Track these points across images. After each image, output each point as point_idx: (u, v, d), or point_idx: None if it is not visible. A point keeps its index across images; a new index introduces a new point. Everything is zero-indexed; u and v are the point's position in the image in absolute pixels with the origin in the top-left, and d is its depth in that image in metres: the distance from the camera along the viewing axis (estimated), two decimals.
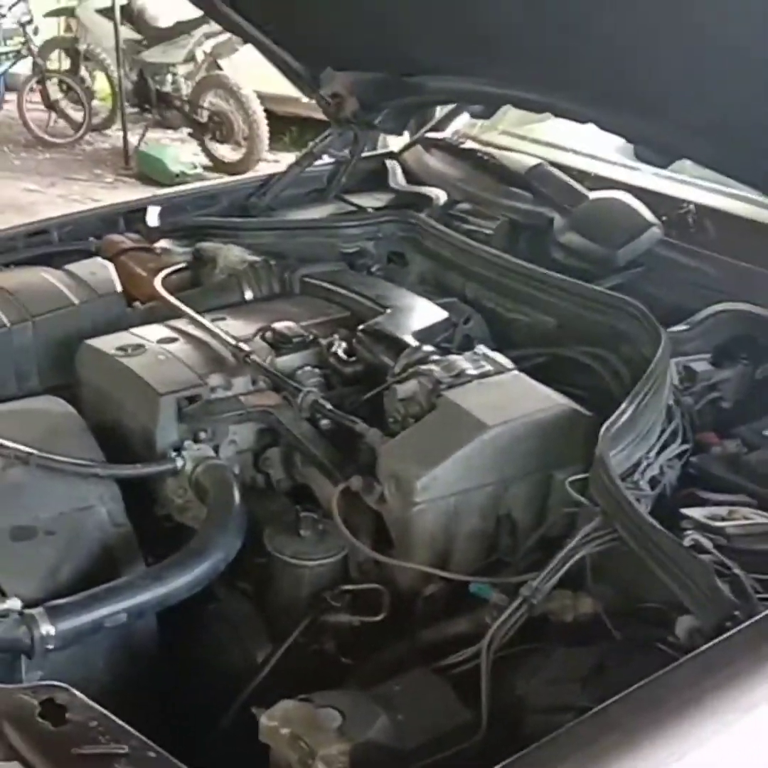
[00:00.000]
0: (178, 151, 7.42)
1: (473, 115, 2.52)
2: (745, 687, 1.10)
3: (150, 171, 7.11)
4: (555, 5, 1.66)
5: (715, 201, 2.18)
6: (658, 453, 1.58)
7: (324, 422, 1.72)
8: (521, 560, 1.54)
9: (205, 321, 1.86)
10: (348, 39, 2.30)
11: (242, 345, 1.78)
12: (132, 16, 7.58)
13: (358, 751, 1.15)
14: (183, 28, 7.35)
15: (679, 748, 1.04)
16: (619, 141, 2.22)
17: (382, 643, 1.50)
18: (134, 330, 1.86)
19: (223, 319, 1.93)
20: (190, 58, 7.52)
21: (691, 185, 2.26)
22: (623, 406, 1.54)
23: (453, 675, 1.36)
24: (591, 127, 1.97)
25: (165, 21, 7.54)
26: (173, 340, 1.82)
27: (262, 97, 7.05)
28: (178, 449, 1.64)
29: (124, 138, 7.47)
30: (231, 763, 1.35)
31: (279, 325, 1.86)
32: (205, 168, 7.20)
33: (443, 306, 2.04)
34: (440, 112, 2.83)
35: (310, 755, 1.14)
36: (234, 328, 1.89)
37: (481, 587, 1.45)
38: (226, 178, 3.85)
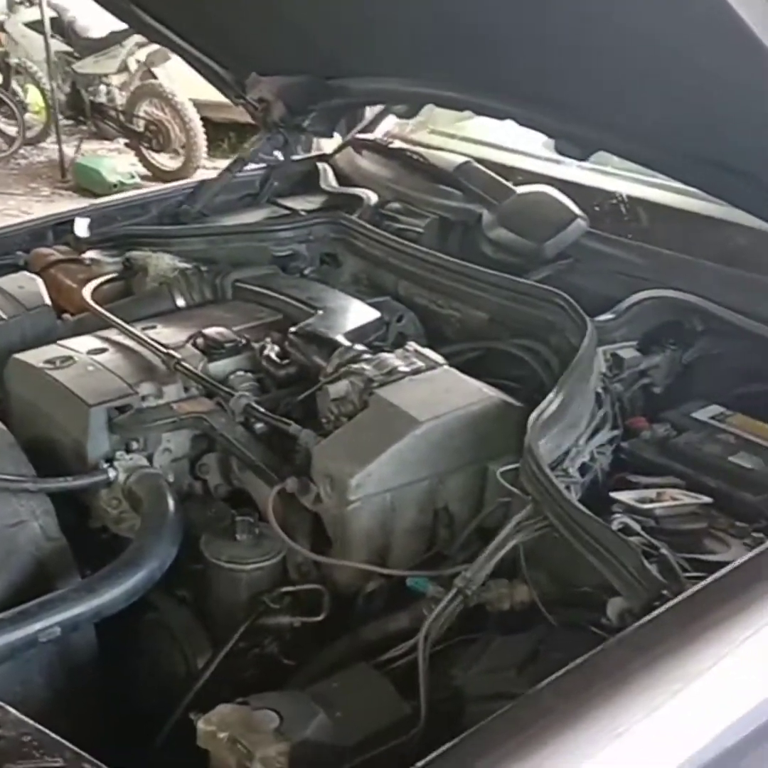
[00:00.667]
0: (115, 161, 7.36)
1: (398, 115, 2.53)
2: (675, 664, 1.12)
3: (87, 182, 7.05)
4: (470, 6, 1.68)
5: (639, 191, 2.22)
6: (588, 440, 1.61)
7: (259, 426, 1.72)
8: (459, 552, 1.55)
9: (134, 330, 1.85)
10: (271, 44, 2.30)
11: (173, 352, 1.77)
12: (62, 28, 7.49)
13: (296, 750, 1.15)
14: (115, 39, 7.29)
15: (611, 728, 1.06)
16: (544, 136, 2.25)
17: (323, 643, 1.50)
18: (63, 342, 1.84)
19: (154, 327, 1.92)
20: (123, 68, 7.46)
21: (616, 177, 2.29)
22: (551, 395, 1.56)
23: (392, 670, 1.37)
24: (513, 123, 2.00)
25: (96, 32, 7.46)
26: (103, 350, 1.81)
27: (199, 105, 7.03)
28: (110, 460, 1.63)
29: (60, 150, 7.40)
30: None
31: (210, 331, 1.86)
32: (143, 177, 7.15)
33: (376, 305, 2.05)
34: (370, 113, 2.84)
35: (249, 757, 1.14)
36: (165, 335, 1.88)
37: (418, 581, 1.46)
38: (156, 186, 3.82)
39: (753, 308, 1.79)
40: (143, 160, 7.43)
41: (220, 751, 1.16)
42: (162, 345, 1.79)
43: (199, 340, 1.84)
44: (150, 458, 1.68)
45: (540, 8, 1.51)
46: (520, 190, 2.27)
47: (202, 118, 7.12)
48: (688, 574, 1.30)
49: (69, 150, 7.43)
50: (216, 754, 1.17)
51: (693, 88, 1.42)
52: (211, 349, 1.82)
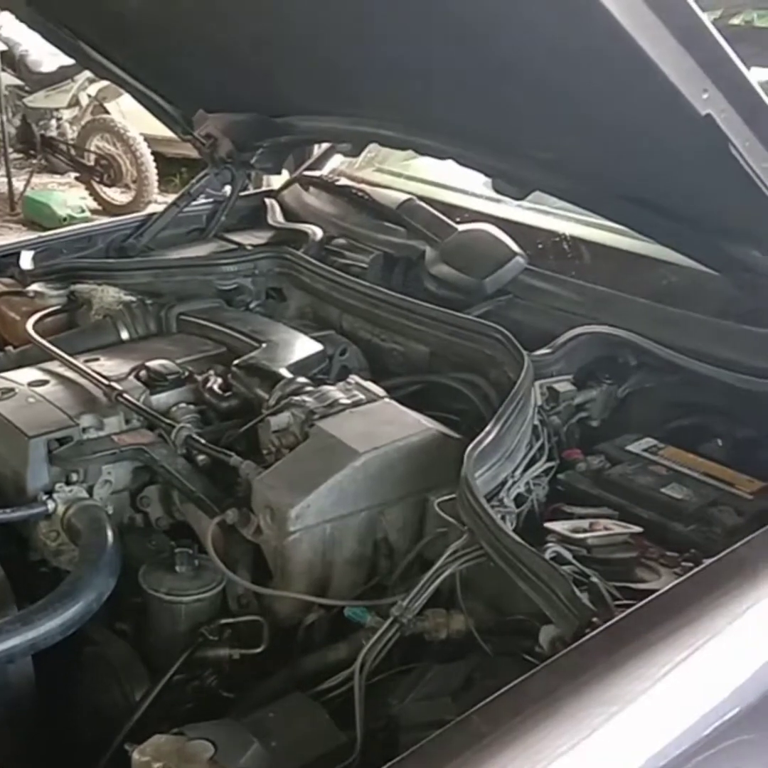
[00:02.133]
0: (66, 195, 7.34)
1: (343, 153, 2.58)
2: (602, 690, 1.15)
3: (37, 216, 7.01)
4: (410, 51, 1.73)
5: (580, 230, 2.29)
6: (524, 471, 1.64)
7: (200, 458, 1.73)
8: (399, 583, 1.57)
9: (76, 362, 1.85)
10: (217, 81, 2.34)
11: (114, 384, 1.77)
12: (13, 62, 7.49)
13: None
14: (66, 73, 7.31)
15: (539, 754, 1.08)
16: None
17: (263, 675, 1.51)
18: (4, 374, 1.84)
19: (97, 359, 1.92)
20: (75, 102, 7.48)
21: (556, 216, 2.36)
22: (488, 427, 1.59)
23: (330, 699, 1.38)
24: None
25: (48, 66, 7.46)
26: (44, 382, 1.81)
27: (151, 140, 7.05)
28: (49, 492, 1.62)
29: (9, 183, 7.35)
30: None
31: (153, 363, 1.87)
32: (94, 212, 7.14)
33: (320, 339, 2.08)
34: (317, 151, 2.89)
35: None
36: (108, 367, 1.88)
37: (356, 611, 1.48)
38: (102, 220, 3.83)
39: (683, 343, 1.84)
40: (94, 194, 7.43)
41: None
42: (104, 377, 1.80)
43: (142, 373, 1.85)
44: (90, 490, 1.68)
45: (475, 53, 1.56)
46: (462, 227, 2.32)
47: (154, 153, 7.15)
48: (618, 602, 1.33)
49: (19, 183, 7.39)
50: None
51: (617, 131, 1.48)
52: (154, 381, 1.83)
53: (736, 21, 2.80)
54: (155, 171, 7.16)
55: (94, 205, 7.35)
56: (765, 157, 1.34)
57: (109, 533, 1.55)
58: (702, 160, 1.41)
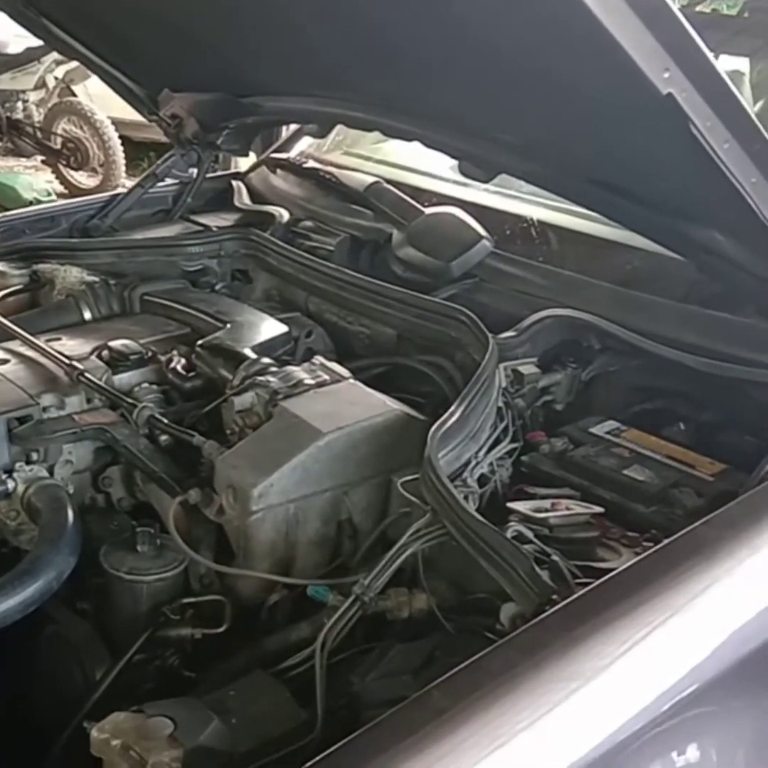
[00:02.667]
0: (32, 178, 7.24)
1: (309, 135, 2.57)
2: (561, 666, 1.15)
3: (2, 199, 6.89)
4: (377, 30, 1.72)
5: (548, 215, 2.29)
6: (488, 452, 1.64)
7: (163, 438, 1.71)
8: (362, 563, 1.57)
9: (37, 341, 1.83)
10: (183, 60, 2.32)
11: (76, 363, 1.76)
12: None
13: (190, 756, 1.15)
14: (32, 55, 7.19)
15: (499, 729, 1.09)
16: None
17: (225, 654, 1.50)
18: None
19: (59, 339, 1.91)
20: (41, 84, 7.38)
21: (524, 201, 2.36)
22: (452, 408, 1.59)
23: (292, 678, 1.37)
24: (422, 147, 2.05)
25: (14, 48, 7.34)
26: (5, 361, 1.79)
27: (119, 123, 6.98)
28: (9, 471, 1.60)
29: None
30: None
31: (115, 343, 1.85)
32: (60, 195, 7.05)
33: (285, 321, 2.07)
34: (285, 133, 2.87)
35: (141, 764, 1.13)
36: (70, 347, 1.87)
37: (318, 590, 1.47)
38: (66, 200, 3.79)
39: (647, 327, 1.85)
40: (60, 177, 7.34)
41: (113, 759, 1.16)
42: (65, 356, 1.78)
43: (104, 352, 1.84)
44: (51, 470, 1.66)
45: (443, 33, 1.56)
46: (429, 211, 2.32)
47: (122, 137, 7.08)
48: (578, 580, 1.34)
49: None
50: (109, 761, 1.17)
51: (580, 112, 1.48)
52: (116, 361, 1.82)
53: (702, 9, 2.82)
54: (123, 155, 7.10)
55: (60, 188, 7.27)
56: (726, 138, 1.35)
57: (70, 512, 1.54)
58: (664, 142, 1.42)
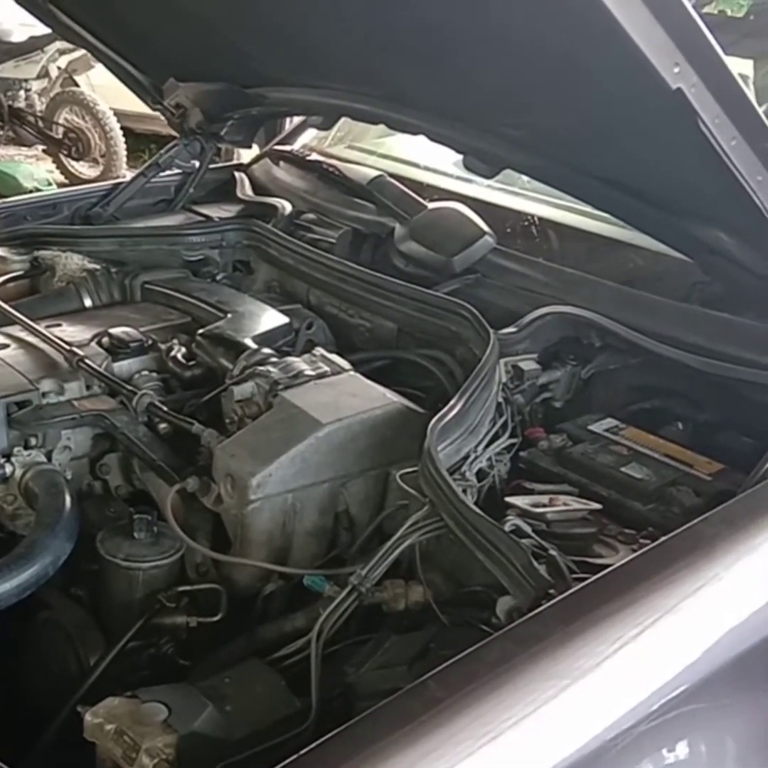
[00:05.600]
0: (33, 167, 7.22)
1: (314, 127, 2.56)
2: (556, 659, 1.15)
3: (2, 187, 6.86)
4: (383, 23, 1.72)
5: (549, 212, 2.29)
6: (486, 447, 1.64)
7: (162, 426, 1.71)
8: (359, 555, 1.57)
9: (38, 327, 1.83)
10: (189, 50, 2.32)
11: (76, 349, 1.75)
12: None
13: (183, 742, 1.15)
14: (36, 44, 7.17)
15: (494, 721, 1.09)
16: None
17: (220, 643, 1.50)
18: None
19: (60, 325, 1.90)
20: (44, 74, 7.35)
21: (526, 198, 2.37)
22: (452, 402, 1.59)
23: (287, 667, 1.38)
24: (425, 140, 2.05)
25: (18, 36, 7.32)
26: (5, 346, 1.79)
27: (121, 115, 6.97)
28: (7, 455, 1.61)
29: None
30: (62, 767, 1.33)
31: (116, 330, 1.85)
32: (61, 185, 7.03)
33: (286, 312, 2.07)
34: (289, 125, 2.87)
35: (134, 749, 1.14)
36: (70, 334, 1.86)
37: (314, 580, 1.47)
38: (69, 188, 3.78)
39: (648, 326, 1.85)
40: (61, 167, 7.32)
41: (106, 743, 1.16)
42: (65, 342, 1.78)
43: (105, 339, 1.83)
44: (49, 455, 1.66)
45: (451, 25, 1.56)
46: (431, 205, 2.32)
47: (124, 129, 7.06)
48: (575, 575, 1.34)
49: None
50: (103, 746, 1.17)
51: (588, 106, 1.48)
52: (116, 348, 1.82)
53: (709, 10, 2.82)
54: (124, 146, 7.07)
55: (61, 178, 7.24)
56: (733, 135, 1.35)
57: (67, 497, 1.54)
58: (671, 137, 1.42)
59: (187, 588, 1.53)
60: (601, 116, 1.49)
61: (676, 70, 1.27)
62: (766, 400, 1.71)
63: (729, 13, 3.12)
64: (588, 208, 2.09)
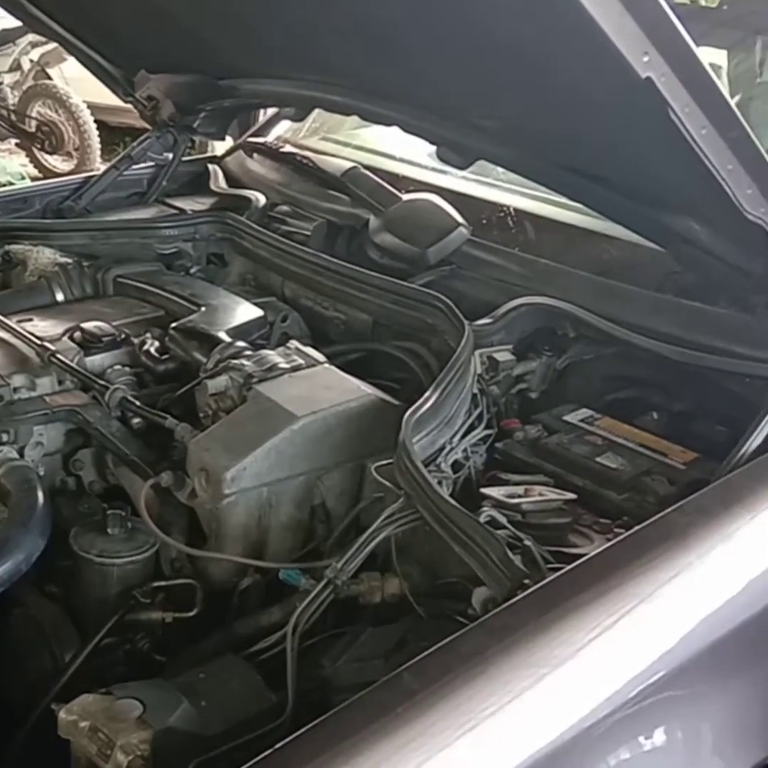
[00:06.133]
0: (5, 161, 7.15)
1: (287, 118, 2.55)
2: (531, 649, 1.15)
3: None
4: (356, 14, 1.71)
5: (525, 204, 2.29)
6: (462, 438, 1.64)
7: (135, 421, 1.70)
8: (335, 549, 1.56)
9: (9, 322, 1.81)
10: (160, 42, 2.30)
11: (47, 344, 1.74)
12: None
13: (159, 738, 1.14)
14: (7, 37, 7.11)
15: (470, 712, 1.09)
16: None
17: (196, 638, 1.49)
18: None
19: (31, 320, 1.89)
20: (16, 66, 7.30)
21: (501, 189, 2.36)
22: (427, 394, 1.59)
23: (263, 661, 1.37)
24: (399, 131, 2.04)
25: None
26: None
27: (94, 108, 6.92)
28: None
29: None
30: (36, 765, 1.32)
31: (88, 325, 1.83)
32: (34, 179, 6.96)
33: (261, 305, 2.06)
34: (262, 118, 2.85)
35: (109, 746, 1.13)
36: (42, 328, 1.85)
37: (290, 574, 1.47)
38: (40, 182, 3.74)
39: (622, 316, 1.86)
40: (35, 161, 7.27)
41: (81, 741, 1.15)
42: (37, 337, 1.76)
43: (77, 334, 1.82)
44: (21, 451, 1.65)
45: (421, 16, 1.55)
46: (406, 197, 2.31)
47: (97, 122, 7.02)
48: (550, 566, 1.34)
49: None
50: (77, 743, 1.16)
51: (559, 96, 1.48)
52: (88, 343, 1.80)
53: (682, 0, 2.82)
54: (98, 139, 7.03)
55: (34, 172, 7.19)
56: (703, 124, 1.35)
57: (40, 494, 1.52)
58: (642, 127, 1.42)
59: (162, 583, 1.53)
60: (571, 106, 1.49)
61: (646, 59, 1.27)
62: (740, 389, 1.72)
63: (702, 3, 3.13)
64: (562, 199, 2.08)
